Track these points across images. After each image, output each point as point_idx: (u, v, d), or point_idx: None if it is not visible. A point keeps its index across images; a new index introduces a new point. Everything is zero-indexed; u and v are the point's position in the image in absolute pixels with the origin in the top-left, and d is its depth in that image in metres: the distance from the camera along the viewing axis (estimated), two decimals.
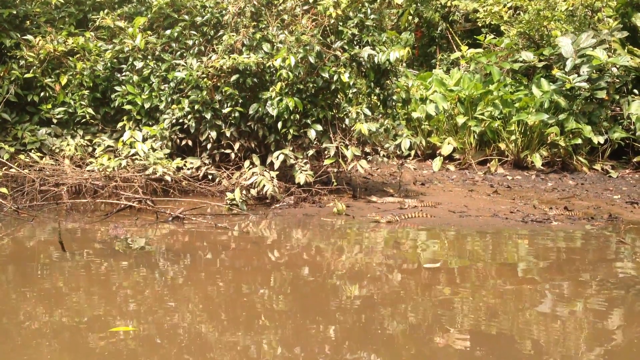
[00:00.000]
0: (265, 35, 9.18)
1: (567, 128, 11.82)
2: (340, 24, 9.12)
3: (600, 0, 13.71)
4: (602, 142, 11.98)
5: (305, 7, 9.27)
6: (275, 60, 8.68)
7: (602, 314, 4.76)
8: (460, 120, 12.47)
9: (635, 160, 12.26)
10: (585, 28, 13.43)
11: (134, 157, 8.64)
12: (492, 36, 14.97)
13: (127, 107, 9.33)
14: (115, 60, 9.61)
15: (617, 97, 12.49)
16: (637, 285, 5.53)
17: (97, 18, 9.90)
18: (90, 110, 9.38)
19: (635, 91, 12.64)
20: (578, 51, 12.17)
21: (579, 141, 11.87)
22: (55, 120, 9.38)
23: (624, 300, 5.07)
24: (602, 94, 11.89)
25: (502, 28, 15.14)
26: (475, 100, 12.68)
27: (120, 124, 9.35)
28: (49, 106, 9.37)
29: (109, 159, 8.54)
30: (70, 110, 9.42)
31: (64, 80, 9.42)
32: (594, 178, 11.58)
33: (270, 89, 8.77)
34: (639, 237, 7.40)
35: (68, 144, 9.14)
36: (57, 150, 9.11)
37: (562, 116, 11.90)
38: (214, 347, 4.03)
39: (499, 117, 12.45)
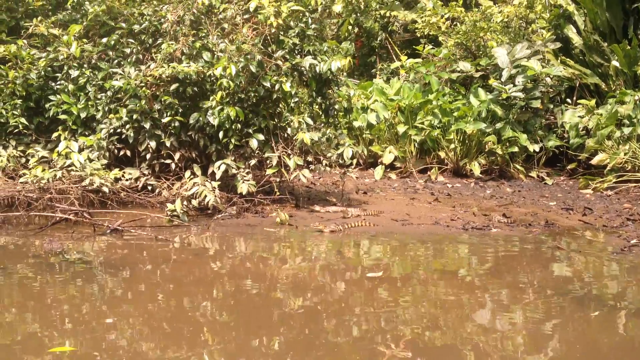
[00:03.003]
0: (206, 44, 9.07)
1: (504, 136, 12.10)
2: (282, 33, 9.10)
3: (534, 12, 14.15)
4: (537, 150, 12.30)
5: (246, 16, 9.21)
6: (216, 69, 8.57)
7: (542, 320, 4.85)
8: (401, 129, 12.61)
9: (569, 167, 12.63)
10: (520, 39, 13.82)
11: (69, 168, 8.37)
12: (431, 46, 15.22)
13: (62, 116, 9.06)
14: (49, 68, 9.33)
15: (551, 106, 12.88)
16: (575, 290, 5.66)
17: (30, 25, 9.59)
18: (23, 120, 9.07)
19: (568, 100, 13.06)
20: (513, 62, 12.49)
21: (516, 149, 12.16)
22: None
23: (562, 306, 5.18)
24: (536, 104, 12.23)
25: (440, 39, 15.43)
26: (415, 109, 12.84)
27: (55, 134, 9.06)
28: None
29: (44, 170, 8.25)
30: (2, 120, 9.09)
31: None
32: (531, 185, 11.87)
33: (211, 98, 8.66)
34: (575, 243, 7.60)
35: (0, 155, 8.81)
36: None
37: (499, 125, 12.17)
38: None
39: (438, 126, 12.64)
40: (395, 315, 4.94)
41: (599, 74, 13.16)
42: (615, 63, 12.67)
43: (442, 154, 12.60)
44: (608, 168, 11.17)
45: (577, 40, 13.54)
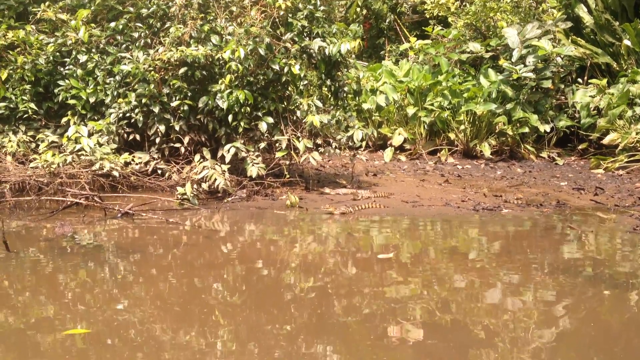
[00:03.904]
0: (214, 27, 9.04)
1: (515, 117, 12.04)
2: (290, 15, 9.05)
3: None
4: (548, 130, 12.25)
5: None
6: (225, 52, 8.55)
7: (554, 298, 4.83)
8: (410, 110, 12.56)
9: (580, 147, 12.57)
10: (530, 19, 13.70)
11: (79, 153, 8.41)
12: (440, 27, 15.12)
13: (72, 101, 9.08)
14: (57, 53, 9.34)
15: (562, 86, 12.79)
16: (587, 269, 5.64)
17: (38, 11, 9.58)
18: (32, 105, 9.10)
19: (580, 80, 12.95)
20: (524, 42, 12.39)
21: (526, 130, 12.11)
22: None
23: (574, 285, 5.16)
24: (547, 84, 12.15)
25: (450, 19, 15.32)
26: (424, 91, 12.79)
27: (64, 119, 9.09)
28: None
29: (54, 155, 8.28)
30: (11, 105, 9.13)
31: (4, 74, 9.12)
32: (541, 165, 11.81)
33: (220, 82, 8.65)
34: (586, 222, 7.56)
35: (10, 140, 8.85)
36: None
37: (509, 106, 12.10)
38: (169, 346, 3.93)
39: (448, 107, 12.59)
40: (406, 295, 4.94)
41: (610, 53, 13.03)
42: (626, 42, 12.55)
43: (452, 136, 12.56)
44: (619, 148, 11.11)
45: (588, 19, 13.40)
